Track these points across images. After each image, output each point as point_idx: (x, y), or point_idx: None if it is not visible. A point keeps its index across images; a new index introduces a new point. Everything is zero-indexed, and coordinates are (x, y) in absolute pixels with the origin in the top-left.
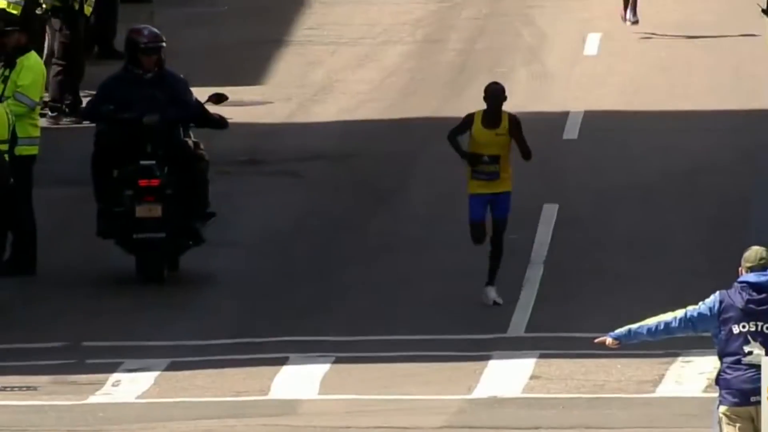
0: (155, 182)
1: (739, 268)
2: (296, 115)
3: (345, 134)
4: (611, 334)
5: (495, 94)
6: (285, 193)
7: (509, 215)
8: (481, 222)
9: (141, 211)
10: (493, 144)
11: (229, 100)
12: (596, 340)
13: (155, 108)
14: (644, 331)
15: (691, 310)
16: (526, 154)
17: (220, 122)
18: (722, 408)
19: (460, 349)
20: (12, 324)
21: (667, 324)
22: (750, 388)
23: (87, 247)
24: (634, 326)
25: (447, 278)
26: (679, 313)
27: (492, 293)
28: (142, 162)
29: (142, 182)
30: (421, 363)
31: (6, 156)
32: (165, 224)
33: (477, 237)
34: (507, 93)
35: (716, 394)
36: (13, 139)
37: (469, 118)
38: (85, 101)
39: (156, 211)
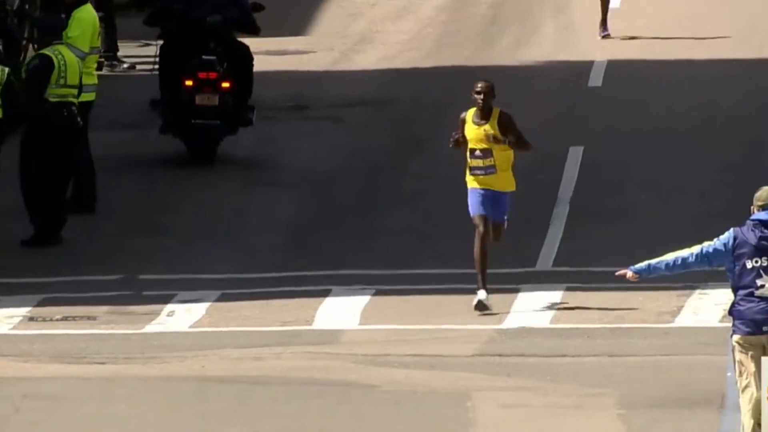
0: (213, 75)
1: (752, 207)
2: (338, 64)
3: (384, 82)
4: (632, 268)
5: (485, 91)
6: (328, 137)
7: (507, 217)
8: (482, 215)
9: (200, 99)
10: (483, 139)
11: (275, 50)
12: (617, 273)
13: (217, 10)
14: (662, 266)
15: (707, 246)
16: (525, 149)
17: (257, 29)
18: (735, 337)
19: (491, 283)
20: (73, 258)
21: (684, 259)
22: (762, 318)
23: (142, 187)
24: (653, 261)
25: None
26: (696, 249)
27: (483, 295)
28: (203, 57)
29: (202, 75)
30: (455, 295)
31: (75, 101)
32: (220, 112)
33: (481, 229)
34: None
35: (730, 324)
36: (81, 86)
37: (463, 117)
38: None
39: (213, 100)
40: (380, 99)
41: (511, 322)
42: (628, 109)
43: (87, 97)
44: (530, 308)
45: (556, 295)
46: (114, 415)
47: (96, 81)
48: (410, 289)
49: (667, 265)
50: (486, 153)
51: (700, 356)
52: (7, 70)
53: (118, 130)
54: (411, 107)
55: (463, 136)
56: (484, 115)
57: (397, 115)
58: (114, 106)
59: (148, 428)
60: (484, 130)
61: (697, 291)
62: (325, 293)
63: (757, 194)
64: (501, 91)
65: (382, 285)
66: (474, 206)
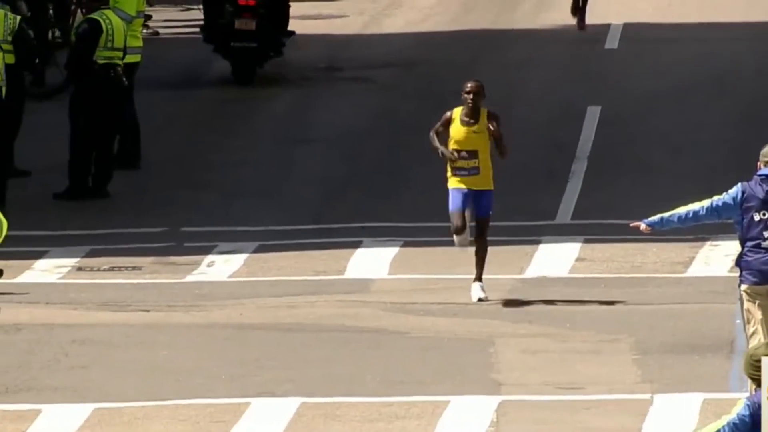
0: (252, 2)
1: (758, 163)
2: (369, 27)
3: (412, 44)
4: (645, 220)
5: (475, 90)
6: (358, 97)
7: (491, 214)
8: (461, 212)
9: (239, 24)
10: (471, 140)
11: (310, 14)
12: (632, 225)
13: None
14: (675, 219)
15: (717, 199)
16: (503, 152)
17: None
18: (743, 286)
19: (513, 235)
20: (119, 211)
21: (695, 212)
22: None
23: (184, 144)
24: (666, 214)
25: (501, 173)
26: (706, 202)
27: (477, 290)
28: None
29: (241, 1)
30: None
31: (121, 63)
32: (257, 36)
33: (456, 227)
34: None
35: (738, 275)
36: (125, 49)
37: (448, 115)
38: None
39: (251, 25)
40: (408, 61)
41: (532, 271)
42: (643, 70)
43: (132, 58)
44: (550, 259)
45: (574, 247)
46: (156, 359)
47: (141, 43)
48: (436, 241)
49: (679, 217)
50: (472, 154)
51: (711, 304)
52: (18, 18)
53: (162, 90)
54: (437, 69)
55: (446, 139)
56: (473, 115)
57: (424, 76)
58: (158, 67)
59: (188, 372)
60: (473, 130)
61: (708, 243)
62: (356, 245)
63: (764, 150)
64: (522, 52)
65: (409, 237)
66: (454, 203)
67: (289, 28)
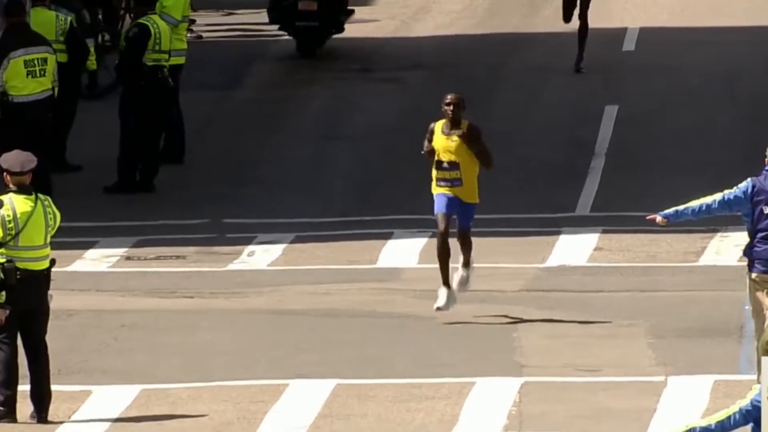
0: None
1: (765, 159)
2: (399, 31)
3: (440, 47)
4: (661, 213)
5: (454, 102)
6: (390, 96)
7: (472, 224)
8: (446, 214)
9: (302, 5)
10: (451, 151)
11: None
12: (648, 218)
13: None
14: (689, 212)
15: (728, 193)
16: (486, 163)
17: None
18: (753, 275)
19: (535, 227)
20: (165, 204)
21: (708, 205)
22: None
23: (226, 141)
24: (680, 207)
25: (526, 167)
26: (718, 196)
27: (443, 296)
28: None
29: None
30: (503, 237)
31: (166, 65)
32: (319, 16)
33: (441, 227)
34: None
35: (746, 264)
36: (170, 51)
37: (431, 127)
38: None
39: (313, 6)
40: (436, 63)
41: (553, 261)
42: (658, 71)
43: (177, 60)
44: (570, 249)
45: (593, 237)
46: (199, 343)
47: (186, 46)
48: (473, 230)
49: (693, 210)
50: (453, 165)
51: (722, 292)
52: (70, 17)
53: (205, 91)
54: (463, 70)
55: (433, 147)
56: (454, 126)
57: (451, 76)
58: (201, 69)
59: (229, 355)
60: (454, 141)
61: (719, 234)
62: (388, 236)
63: None
64: (543, 55)
65: (438, 228)
66: (439, 206)
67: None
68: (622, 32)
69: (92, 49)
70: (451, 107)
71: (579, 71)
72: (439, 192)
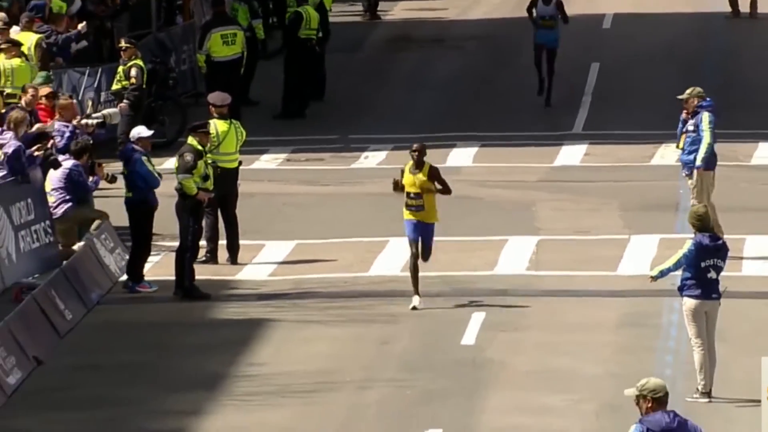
0: None
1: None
2: (460, 15)
3: (487, 26)
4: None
5: (419, 149)
6: (453, 59)
7: (433, 243)
8: (414, 240)
9: None
10: (416, 185)
11: (421, 8)
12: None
13: None
14: (667, 272)
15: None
16: (446, 191)
17: None
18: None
19: (545, 141)
20: (311, 124)
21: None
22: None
23: (351, 87)
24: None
25: (537, 106)
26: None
27: (416, 300)
28: None
29: None
30: (524, 147)
31: (315, 38)
32: None
33: (413, 250)
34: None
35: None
36: (318, 29)
37: (402, 168)
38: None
39: None
40: (484, 36)
41: (558, 162)
42: (629, 41)
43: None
44: (570, 154)
45: (584, 147)
46: (335, 214)
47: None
48: (507, 143)
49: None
50: (417, 196)
51: (666, 182)
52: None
53: (343, 53)
54: (500, 41)
55: (402, 183)
56: (418, 167)
57: (494, 45)
58: (334, 39)
59: (354, 222)
60: (417, 178)
61: (663, 144)
62: (452, 146)
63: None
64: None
65: (488, 141)
66: (409, 233)
67: (406, 17)
68: (602, 16)
69: (260, 25)
70: (416, 153)
71: (549, 105)
72: (407, 219)
